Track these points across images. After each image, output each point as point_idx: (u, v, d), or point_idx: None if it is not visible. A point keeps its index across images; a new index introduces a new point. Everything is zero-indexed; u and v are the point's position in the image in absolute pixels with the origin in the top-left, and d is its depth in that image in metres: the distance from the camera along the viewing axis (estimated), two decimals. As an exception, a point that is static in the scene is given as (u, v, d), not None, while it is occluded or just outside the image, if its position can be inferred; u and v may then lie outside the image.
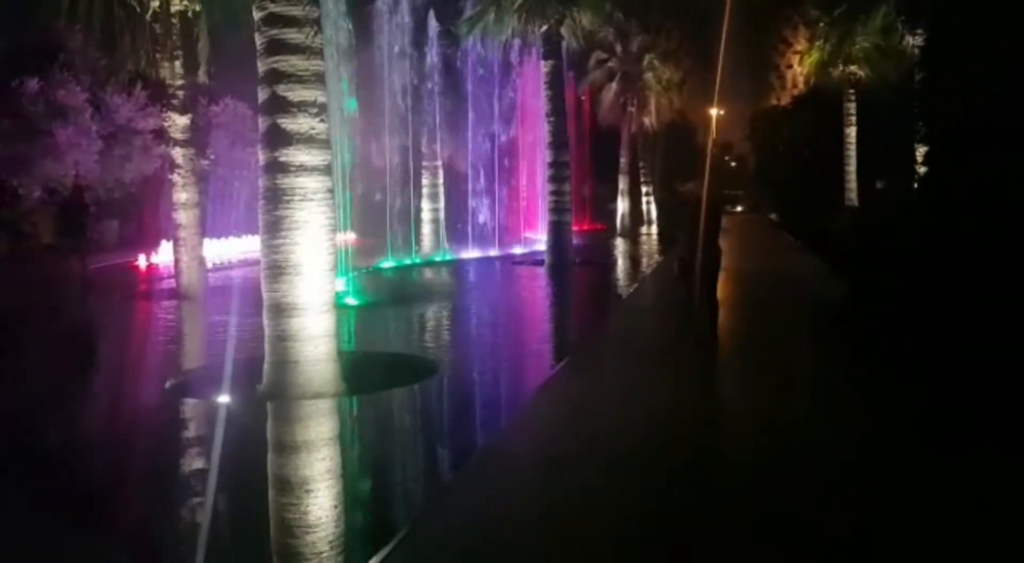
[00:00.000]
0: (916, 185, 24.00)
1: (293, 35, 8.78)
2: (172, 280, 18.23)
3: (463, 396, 9.55)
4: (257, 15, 8.87)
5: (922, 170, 23.18)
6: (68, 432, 8.07)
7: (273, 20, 8.76)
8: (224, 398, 8.49)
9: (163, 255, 24.26)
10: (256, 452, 7.04)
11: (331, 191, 9.12)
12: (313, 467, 6.87)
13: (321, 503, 6.03)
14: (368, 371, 9.65)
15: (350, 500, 6.12)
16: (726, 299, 16.01)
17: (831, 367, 9.78)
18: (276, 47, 8.78)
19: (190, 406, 8.91)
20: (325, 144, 9.02)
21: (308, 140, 8.83)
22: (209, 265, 20.01)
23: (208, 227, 22.83)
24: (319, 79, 8.97)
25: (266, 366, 8.85)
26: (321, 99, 8.98)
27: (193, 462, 7.08)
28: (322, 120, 8.97)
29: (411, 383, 9.61)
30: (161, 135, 20.76)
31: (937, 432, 6.91)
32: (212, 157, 30.32)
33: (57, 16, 16.96)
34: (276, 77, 8.80)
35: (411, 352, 11.41)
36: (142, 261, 24.97)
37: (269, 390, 8.77)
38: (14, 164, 25.27)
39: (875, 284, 13.36)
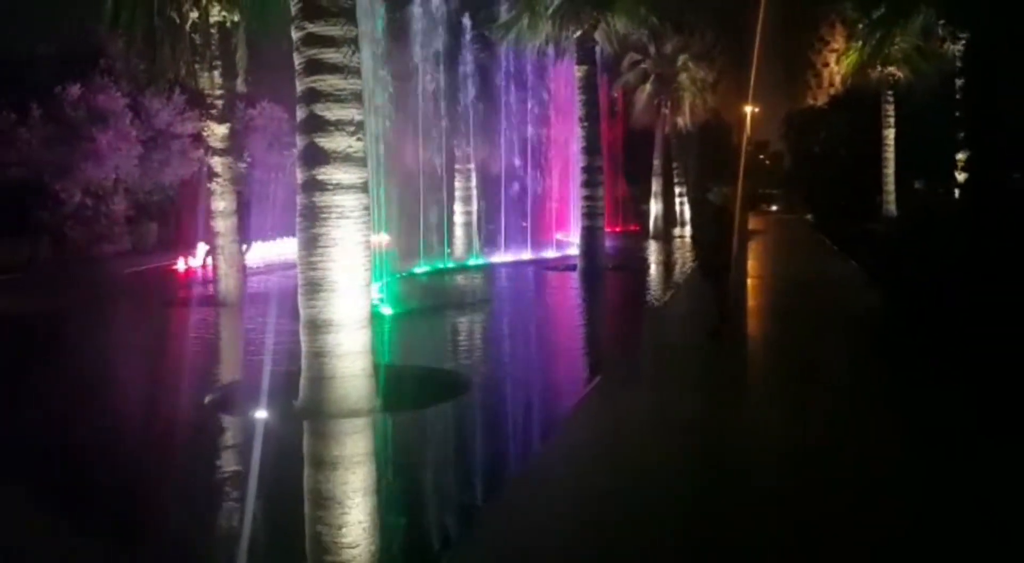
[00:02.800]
0: (957, 190, 23.67)
1: (331, 55, 8.84)
2: (210, 286, 18.44)
3: (498, 416, 9.56)
4: (296, 35, 8.96)
5: (961, 176, 22.90)
6: (108, 448, 8.18)
7: (312, 40, 8.83)
8: (261, 414, 8.59)
9: (200, 258, 24.56)
10: (292, 475, 7.11)
11: (367, 209, 9.17)
12: (346, 492, 6.93)
13: (353, 529, 6.09)
14: (403, 386, 9.69)
15: (381, 525, 6.16)
16: (762, 308, 16.01)
17: (882, 395, 9.39)
18: (314, 67, 8.85)
19: (228, 423, 9.01)
20: (362, 162, 9.08)
21: (345, 158, 8.89)
22: (247, 268, 20.19)
23: (243, 231, 23.06)
24: (356, 98, 9.03)
25: (303, 381, 8.94)
26: (358, 117, 9.03)
27: (231, 483, 7.15)
28: (359, 138, 9.03)
29: (445, 400, 9.64)
30: (199, 139, 21.06)
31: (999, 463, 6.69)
32: (249, 160, 30.68)
33: (99, 23, 17.25)
34: (314, 96, 8.87)
35: (445, 366, 11.44)
36: (180, 265, 25.27)
37: (305, 406, 8.85)
38: (56, 168, 25.75)
39: (917, 294, 13.16)
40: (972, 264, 12.34)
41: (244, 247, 26.33)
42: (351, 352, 8.86)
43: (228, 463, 7.78)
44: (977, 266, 12.19)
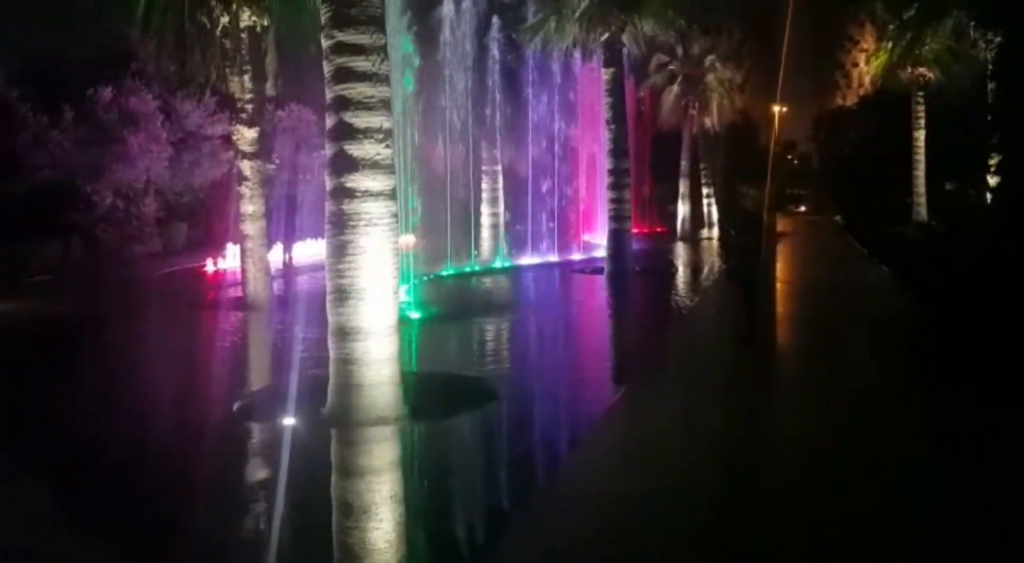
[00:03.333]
0: (989, 194, 23.35)
1: (360, 63, 8.87)
2: (239, 288, 18.58)
3: (525, 424, 9.54)
4: (325, 43, 8.99)
5: (993, 180, 22.57)
6: (137, 455, 8.26)
7: (341, 49, 8.86)
8: (290, 421, 8.64)
9: (229, 260, 24.80)
10: (321, 484, 7.15)
11: (395, 216, 9.19)
12: (374, 501, 7.00)
13: (381, 538, 6.11)
14: (430, 394, 9.71)
15: (409, 535, 6.18)
16: (791, 314, 15.88)
17: (919, 406, 9.24)
18: (343, 75, 8.88)
19: (257, 431, 9.08)
20: (390, 169, 9.09)
21: (374, 165, 8.91)
22: (273, 270, 20.35)
23: (272, 232, 23.25)
24: (385, 105, 9.05)
25: (331, 388, 8.98)
26: (387, 125, 9.05)
27: (260, 492, 7.22)
28: (387, 145, 9.04)
29: (472, 408, 9.64)
30: (228, 140, 21.24)
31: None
32: (277, 162, 30.88)
33: (131, 27, 17.43)
34: (343, 104, 8.90)
35: (472, 373, 11.45)
36: (209, 266, 25.49)
37: (333, 413, 8.88)
38: (88, 170, 26.07)
39: (952, 302, 12.96)
40: (1007, 271, 12.17)
41: (286, 255, 26.80)
42: (379, 360, 8.88)
43: (257, 472, 7.84)
44: (1012, 273, 12.01)
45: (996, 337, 10.54)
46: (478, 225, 29.98)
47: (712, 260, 30.69)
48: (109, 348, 14.24)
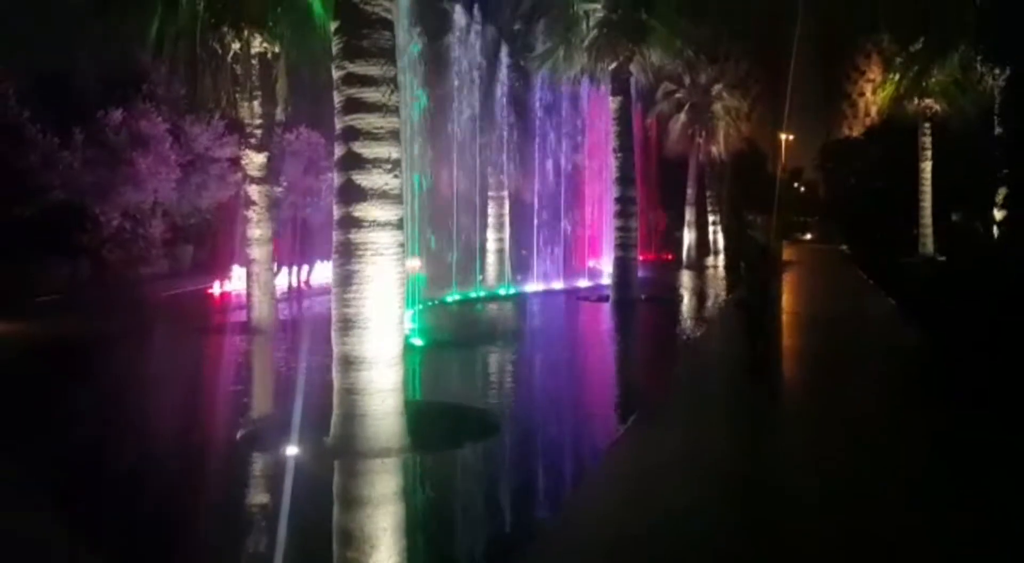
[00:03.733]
0: (996, 227, 23.37)
1: (370, 94, 8.91)
2: (244, 311, 18.59)
3: (529, 458, 9.46)
4: (336, 74, 9.04)
5: (999, 215, 22.61)
6: (140, 483, 8.22)
7: (351, 79, 8.91)
8: (293, 451, 8.60)
9: (235, 282, 24.82)
10: (323, 516, 7.13)
11: (402, 246, 9.22)
12: (376, 534, 6.95)
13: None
14: (434, 425, 9.68)
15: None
16: (798, 346, 15.81)
17: (929, 442, 9.12)
18: (354, 106, 8.92)
19: (260, 461, 9.03)
20: (398, 199, 9.12)
21: (382, 195, 8.93)
22: (280, 293, 20.36)
23: (282, 254, 23.28)
24: (394, 136, 9.09)
25: (334, 418, 8.95)
26: (396, 155, 9.08)
27: (262, 524, 7.18)
28: (396, 176, 9.07)
29: (476, 440, 9.58)
30: (236, 163, 21.34)
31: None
32: (284, 184, 31.00)
33: (142, 50, 17.58)
34: (353, 134, 8.93)
35: (476, 403, 11.39)
36: (216, 288, 25.52)
37: (336, 443, 8.86)
38: (96, 192, 26.18)
39: (961, 339, 12.90)
40: (1016, 309, 12.13)
41: (305, 273, 26.90)
42: (383, 390, 8.87)
43: (258, 502, 7.80)
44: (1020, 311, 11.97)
45: (1004, 375, 10.49)
46: (483, 250, 30.00)
47: (718, 289, 30.67)
48: (111, 372, 14.20)
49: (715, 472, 7.84)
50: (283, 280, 28.78)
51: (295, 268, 27.36)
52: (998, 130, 22.66)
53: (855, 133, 71.79)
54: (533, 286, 29.70)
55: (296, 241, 28.77)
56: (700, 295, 29.26)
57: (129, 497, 7.81)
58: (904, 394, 11.67)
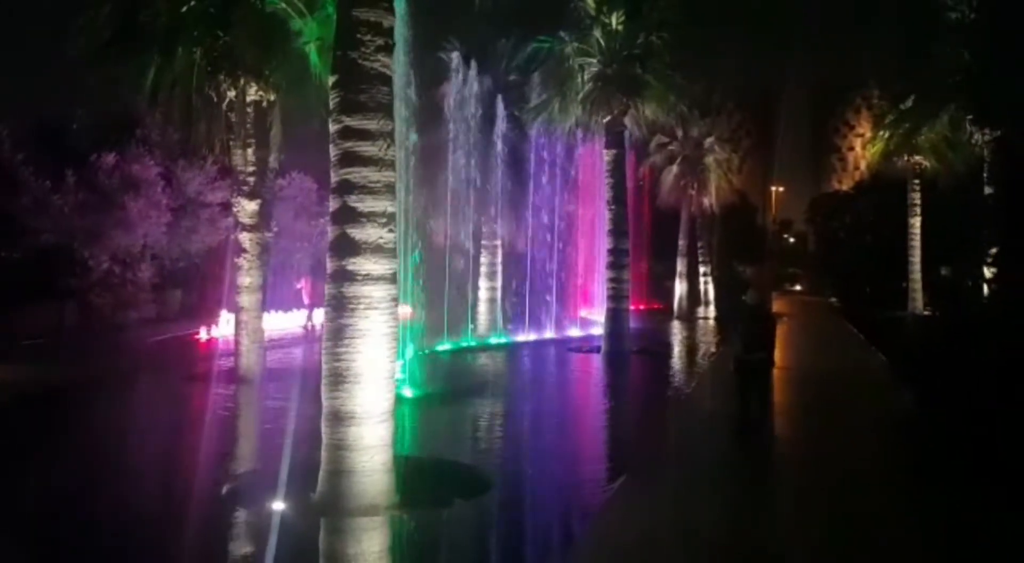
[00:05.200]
0: (986, 286, 23.39)
1: (367, 148, 8.90)
2: (231, 358, 18.38)
3: (519, 517, 9.26)
4: (333, 128, 9.03)
5: (989, 273, 22.63)
6: (122, 541, 8.01)
7: (348, 133, 8.90)
8: (279, 507, 8.41)
9: (223, 328, 24.63)
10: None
11: (396, 300, 9.13)
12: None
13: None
14: (422, 481, 9.52)
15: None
16: (789, 404, 15.68)
17: (922, 508, 9.07)
18: (350, 159, 8.91)
19: (245, 517, 8.81)
20: (392, 253, 9.06)
21: (376, 249, 8.87)
22: (268, 340, 20.14)
23: (268, 300, 23.12)
24: (390, 190, 9.06)
25: (322, 474, 8.79)
26: (391, 209, 9.04)
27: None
28: (390, 230, 9.02)
29: (465, 498, 9.39)
30: (227, 207, 21.27)
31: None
32: (275, 229, 30.90)
33: (138, 96, 17.60)
34: (348, 188, 8.90)
35: (465, 459, 11.21)
36: (203, 334, 25.30)
37: (323, 500, 8.69)
38: (86, 235, 26.04)
39: (953, 400, 12.80)
40: (1008, 370, 12.05)
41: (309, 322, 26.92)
42: (372, 446, 8.73)
43: (243, 560, 7.58)
44: (1013, 372, 11.88)
45: (995, 440, 10.40)
46: (476, 299, 29.91)
47: (709, 341, 30.57)
48: (94, 422, 13.98)
49: (703, 544, 7.65)
50: (288, 322, 28.82)
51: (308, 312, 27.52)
52: (988, 190, 22.82)
53: (845, 187, 72.59)
54: (525, 336, 29.57)
55: (307, 284, 28.78)
56: (692, 348, 29.16)
57: (111, 554, 7.60)
58: (897, 462, 11.54)
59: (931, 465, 11.07)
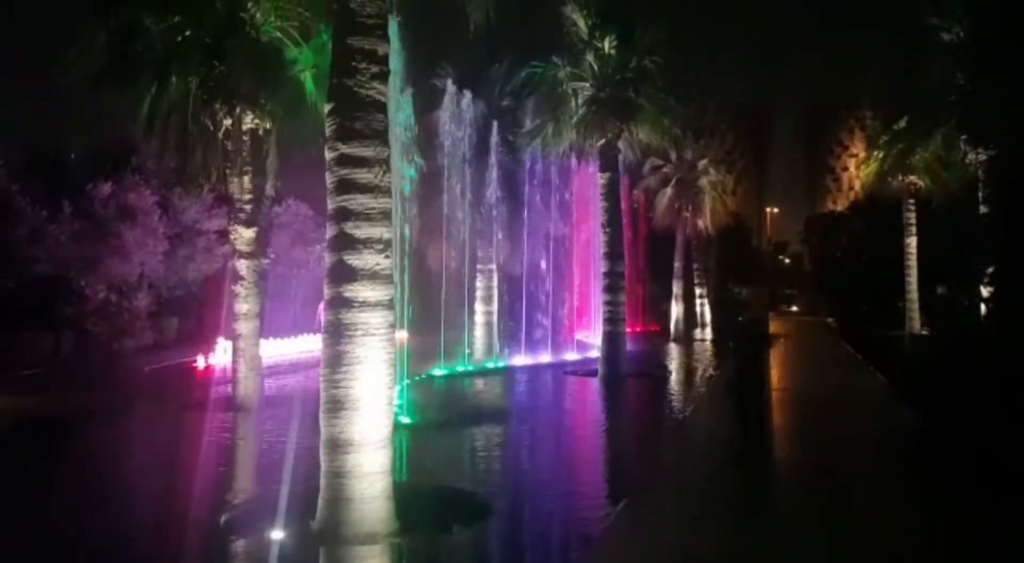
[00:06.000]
0: (983, 304, 23.42)
1: (363, 175, 8.93)
2: (228, 386, 18.30)
3: (518, 544, 9.23)
4: (329, 155, 9.06)
5: (986, 291, 22.67)
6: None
7: (344, 161, 8.93)
8: (277, 536, 8.35)
9: (220, 355, 24.52)
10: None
11: (392, 326, 9.12)
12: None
13: None
14: (421, 508, 9.47)
15: None
16: (788, 425, 15.64)
17: (922, 529, 9.10)
18: (346, 186, 8.93)
19: (244, 547, 8.75)
20: (389, 280, 9.06)
21: (373, 276, 8.87)
22: (265, 367, 20.07)
23: (265, 326, 23.06)
24: (386, 216, 9.08)
25: (320, 502, 8.74)
26: (387, 236, 9.05)
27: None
28: (387, 256, 9.03)
29: (464, 524, 9.35)
30: (224, 235, 21.26)
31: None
32: (272, 256, 30.89)
33: (134, 125, 17.65)
34: (344, 215, 8.91)
35: (465, 486, 11.15)
36: (200, 362, 25.21)
37: (322, 528, 8.64)
38: (82, 264, 26.02)
39: (952, 418, 12.80)
40: (1006, 387, 12.06)
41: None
42: (371, 473, 8.69)
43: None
44: (1011, 389, 11.90)
45: (993, 450, 10.40)
46: (472, 323, 29.85)
47: (706, 364, 30.50)
48: (91, 452, 13.90)
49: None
50: (286, 348, 28.69)
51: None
52: (983, 209, 22.90)
53: (839, 207, 72.84)
54: (521, 359, 29.47)
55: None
56: (689, 370, 29.08)
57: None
58: (897, 483, 11.52)
59: (930, 474, 11.21)
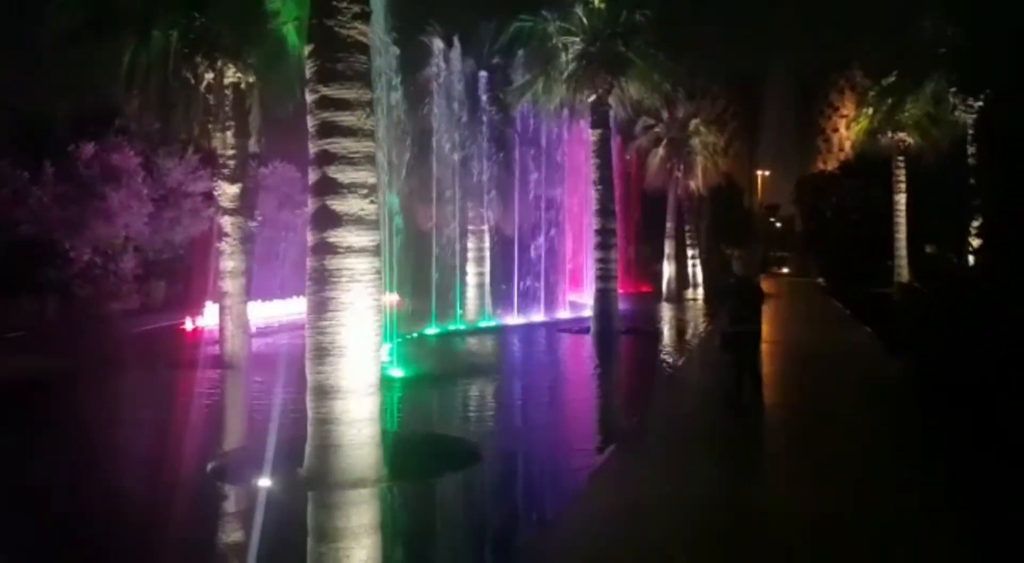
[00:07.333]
0: (971, 256, 23.49)
1: (345, 117, 8.74)
2: (217, 346, 18.21)
3: (508, 488, 9.21)
4: (310, 98, 8.87)
5: (975, 242, 22.72)
6: (105, 518, 7.89)
7: (325, 103, 8.73)
8: (265, 483, 8.30)
9: (208, 318, 24.38)
10: (296, 550, 6.83)
11: (379, 272, 8.98)
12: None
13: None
14: (411, 455, 9.41)
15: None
16: (777, 375, 15.65)
17: (910, 468, 9.10)
18: (328, 129, 8.74)
19: (231, 492, 8.69)
20: (374, 225, 8.90)
21: (357, 221, 8.72)
22: (254, 328, 20.00)
23: (254, 289, 22.92)
24: (370, 160, 8.90)
25: (308, 449, 8.66)
26: (371, 180, 8.89)
27: (232, 558, 6.86)
28: (372, 201, 8.87)
29: (454, 470, 9.31)
30: (210, 197, 21.08)
31: None
32: (259, 219, 30.64)
33: (115, 83, 17.35)
34: (327, 159, 8.74)
35: (454, 433, 11.12)
36: (188, 324, 25.08)
37: (311, 474, 8.57)
38: (66, 226, 25.76)
39: (940, 364, 12.84)
40: (995, 333, 12.06)
41: None
42: (359, 419, 8.60)
43: (228, 536, 7.48)
44: (999, 335, 11.91)
45: (979, 400, 10.47)
46: (464, 284, 29.76)
47: (698, 321, 30.57)
48: (78, 407, 13.81)
49: (689, 506, 7.60)
50: (275, 310, 28.57)
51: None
52: (972, 161, 22.86)
53: (830, 167, 72.54)
54: (514, 319, 29.47)
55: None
56: (680, 327, 29.15)
57: (96, 528, 7.55)
58: (881, 421, 11.62)
59: (914, 413, 11.54)
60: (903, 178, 34.33)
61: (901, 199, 34.57)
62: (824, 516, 7.20)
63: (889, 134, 33.58)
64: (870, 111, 33.65)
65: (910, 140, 33.17)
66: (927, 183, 33.33)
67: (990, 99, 18.84)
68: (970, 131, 24.46)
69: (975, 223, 23.35)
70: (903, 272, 34.30)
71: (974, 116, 23.14)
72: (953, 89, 24.38)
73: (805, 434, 10.98)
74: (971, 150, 24.17)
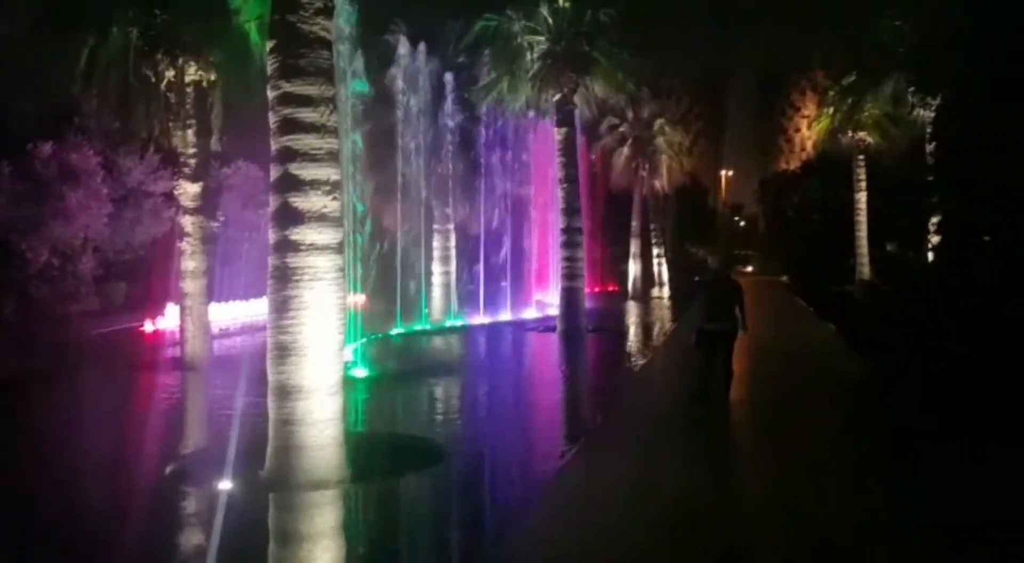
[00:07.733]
0: (930, 254, 23.86)
1: (307, 114, 8.65)
2: (177, 348, 17.95)
3: (473, 487, 9.14)
4: (271, 94, 8.76)
5: (934, 239, 23.10)
6: (61, 523, 7.71)
7: (287, 99, 8.63)
8: (225, 485, 8.17)
9: (169, 319, 24.04)
10: (256, 553, 6.71)
11: (342, 270, 8.89)
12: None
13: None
14: (374, 455, 9.35)
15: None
16: (742, 371, 15.76)
17: (873, 461, 9.26)
18: (290, 126, 8.64)
19: (190, 495, 8.55)
20: (337, 222, 8.81)
21: (320, 218, 8.63)
22: (216, 330, 19.75)
23: (216, 290, 22.62)
24: (333, 157, 8.81)
25: (269, 450, 8.56)
26: (334, 177, 8.80)
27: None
28: (335, 198, 8.78)
29: (418, 470, 9.24)
30: (171, 197, 20.78)
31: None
32: (222, 219, 30.28)
33: (73, 81, 17.02)
34: (289, 155, 8.65)
35: (418, 433, 11.04)
36: (148, 326, 24.72)
37: (272, 476, 8.46)
38: (24, 226, 25.23)
39: (900, 358, 13.06)
40: (953, 327, 12.29)
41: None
42: (321, 420, 8.50)
43: (187, 540, 7.33)
44: (958, 329, 12.12)
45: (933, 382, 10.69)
46: (429, 284, 29.65)
47: (664, 320, 30.73)
48: (34, 412, 13.53)
49: (652, 499, 7.61)
50: (238, 312, 28.25)
51: None
52: (930, 159, 23.22)
53: (792, 167, 73.33)
54: (480, 319, 29.43)
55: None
56: (647, 326, 29.26)
57: (51, 530, 7.38)
58: (842, 412, 11.91)
59: (874, 403, 11.97)
60: (863, 177, 34.79)
61: (862, 198, 35.03)
62: (781, 507, 7.25)
63: (850, 133, 34.02)
64: (831, 111, 34.06)
65: (870, 139, 33.63)
66: (887, 182, 33.81)
67: (948, 98, 19.16)
68: (928, 130, 24.84)
69: (934, 220, 23.73)
70: (865, 270, 34.77)
71: (932, 115, 23.51)
72: (912, 88, 24.73)
73: (768, 428, 11.07)
74: (929, 148, 24.53)
